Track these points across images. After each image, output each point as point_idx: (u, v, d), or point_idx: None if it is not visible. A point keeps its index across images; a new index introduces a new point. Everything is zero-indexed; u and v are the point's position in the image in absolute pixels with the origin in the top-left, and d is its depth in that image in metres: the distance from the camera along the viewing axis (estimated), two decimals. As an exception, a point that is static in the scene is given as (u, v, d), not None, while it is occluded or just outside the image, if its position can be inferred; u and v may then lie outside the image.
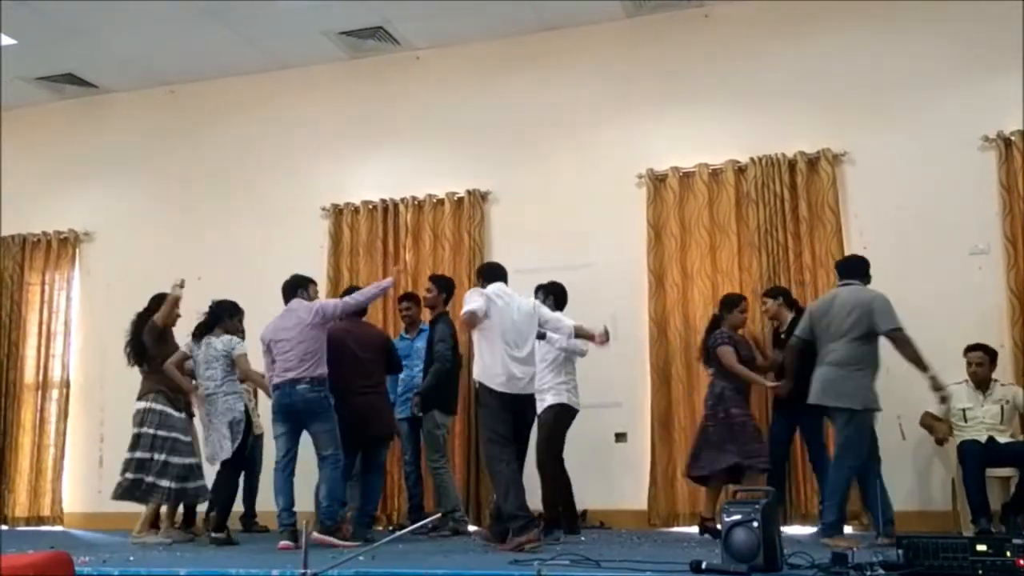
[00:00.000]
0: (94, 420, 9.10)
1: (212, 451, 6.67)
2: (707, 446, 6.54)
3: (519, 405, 6.06)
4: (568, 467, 7.30)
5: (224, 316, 6.86)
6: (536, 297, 6.94)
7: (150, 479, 6.67)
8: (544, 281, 7.25)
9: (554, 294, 7.00)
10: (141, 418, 6.77)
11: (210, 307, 6.89)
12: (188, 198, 9.30)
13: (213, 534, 6.56)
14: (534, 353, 6.19)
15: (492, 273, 6.39)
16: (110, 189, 9.64)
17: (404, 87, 8.94)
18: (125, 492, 6.76)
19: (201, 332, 6.78)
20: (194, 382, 6.83)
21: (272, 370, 6.48)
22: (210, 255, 8.87)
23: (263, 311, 7.22)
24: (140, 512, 7.22)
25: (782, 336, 6.87)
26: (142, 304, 7.15)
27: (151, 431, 6.72)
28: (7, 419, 9.21)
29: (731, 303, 6.87)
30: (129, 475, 6.69)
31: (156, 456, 6.68)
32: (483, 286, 6.23)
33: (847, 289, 6.18)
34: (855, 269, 6.31)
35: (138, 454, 6.71)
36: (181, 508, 7.19)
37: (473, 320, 5.95)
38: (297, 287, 6.70)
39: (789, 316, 6.89)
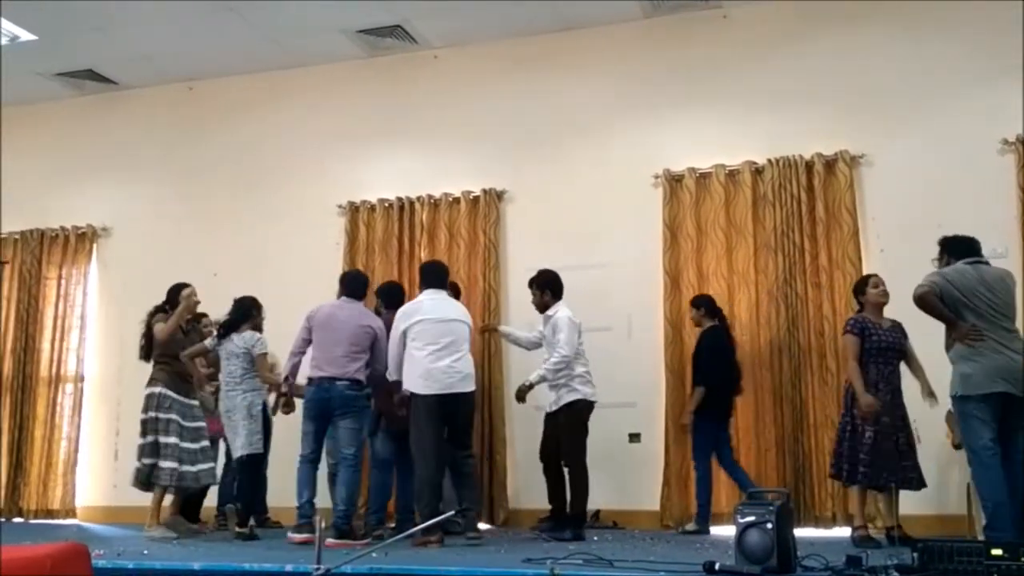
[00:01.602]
0: (110, 414, 9.14)
1: (242, 443, 6.66)
2: (836, 447, 6.27)
3: (450, 405, 6.14)
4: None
5: (253, 312, 6.91)
6: (532, 292, 6.97)
7: (150, 461, 6.72)
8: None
9: (549, 287, 6.93)
10: (145, 404, 6.84)
11: (237, 304, 6.91)
12: (205, 194, 9.34)
13: (237, 529, 6.56)
14: (466, 353, 6.26)
15: (428, 276, 6.58)
16: (128, 184, 9.69)
17: (421, 86, 8.95)
18: (136, 479, 6.85)
19: (227, 330, 6.80)
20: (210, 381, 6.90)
21: (300, 352, 6.49)
22: (226, 251, 8.92)
23: (277, 307, 7.25)
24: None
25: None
26: (158, 299, 7.19)
27: (153, 414, 6.77)
28: (23, 412, 9.26)
29: (860, 285, 6.42)
30: (144, 460, 6.77)
31: (158, 439, 6.73)
32: (421, 287, 6.56)
33: (991, 269, 5.70)
34: (977, 248, 5.78)
35: (145, 439, 6.79)
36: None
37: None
38: (366, 287, 6.81)
39: (709, 324, 7.18)
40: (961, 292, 5.52)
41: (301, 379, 6.71)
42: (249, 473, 6.76)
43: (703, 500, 7.06)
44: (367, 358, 6.46)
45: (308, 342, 6.48)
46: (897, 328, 6.26)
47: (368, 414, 6.64)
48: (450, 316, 6.28)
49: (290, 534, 6.32)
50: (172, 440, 6.72)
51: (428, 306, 6.32)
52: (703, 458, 7.10)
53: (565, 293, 7.44)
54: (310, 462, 6.46)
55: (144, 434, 6.79)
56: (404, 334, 6.24)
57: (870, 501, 6.66)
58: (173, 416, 6.77)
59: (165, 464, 6.69)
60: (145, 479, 6.77)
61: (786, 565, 4.24)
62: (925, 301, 5.50)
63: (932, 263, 5.93)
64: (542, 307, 6.93)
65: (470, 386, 6.25)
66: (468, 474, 6.42)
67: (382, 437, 6.76)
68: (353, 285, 6.74)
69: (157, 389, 6.83)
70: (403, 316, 6.31)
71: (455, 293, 7.36)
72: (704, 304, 7.29)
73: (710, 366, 7.10)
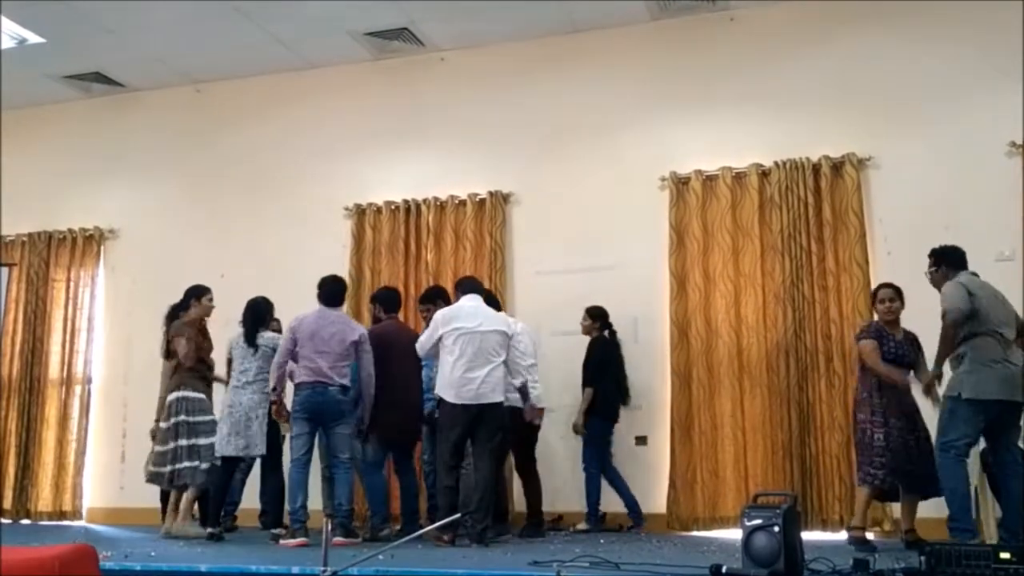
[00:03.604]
0: (117, 416, 9.16)
1: (240, 444, 6.67)
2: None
3: (477, 414, 6.19)
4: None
5: (270, 313, 6.96)
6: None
7: (187, 464, 6.72)
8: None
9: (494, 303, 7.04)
10: (176, 408, 6.82)
11: (256, 304, 6.92)
12: (212, 196, 9.36)
13: (273, 531, 6.64)
14: (500, 363, 6.28)
15: (463, 287, 6.65)
16: (135, 187, 9.71)
17: (428, 88, 8.96)
18: (163, 479, 6.86)
19: (254, 332, 6.82)
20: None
21: (286, 361, 6.53)
22: (233, 253, 8.93)
23: (284, 310, 7.25)
24: (159, 508, 7.28)
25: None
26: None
27: (184, 418, 6.79)
28: (31, 414, 9.28)
29: (872, 298, 6.47)
30: (179, 465, 6.74)
31: (193, 441, 6.76)
32: (456, 298, 6.58)
33: (984, 281, 5.80)
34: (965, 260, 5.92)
35: (181, 442, 6.77)
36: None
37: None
38: (344, 294, 6.84)
39: (598, 334, 7.47)
40: (986, 305, 5.60)
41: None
42: (225, 473, 6.77)
43: (594, 499, 7.32)
44: (351, 362, 6.58)
45: (292, 352, 6.54)
46: (910, 340, 6.21)
47: (354, 417, 6.71)
48: (485, 327, 6.29)
49: (282, 540, 6.31)
50: (206, 442, 6.77)
51: (467, 313, 6.36)
52: (595, 459, 7.36)
53: (570, 295, 7.50)
54: (303, 465, 6.48)
55: (176, 438, 6.78)
56: (441, 339, 6.32)
57: (878, 504, 6.65)
58: (208, 417, 6.85)
59: (204, 465, 6.73)
60: (175, 480, 6.78)
61: (793, 568, 4.22)
62: (948, 332, 5.59)
63: (925, 275, 5.98)
64: None
65: (499, 396, 6.28)
66: (486, 479, 6.29)
67: (373, 442, 6.86)
68: (332, 292, 6.75)
69: (189, 393, 6.85)
70: (442, 321, 6.38)
71: (445, 299, 7.24)
72: (599, 316, 7.52)
73: (599, 371, 7.38)
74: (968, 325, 5.59)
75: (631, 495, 7.37)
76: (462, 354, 6.21)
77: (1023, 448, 5.84)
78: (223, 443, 6.68)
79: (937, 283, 5.88)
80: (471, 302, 6.45)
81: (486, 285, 8.07)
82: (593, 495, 7.32)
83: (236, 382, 6.79)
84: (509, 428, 6.51)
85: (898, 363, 6.09)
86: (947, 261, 5.91)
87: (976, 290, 5.66)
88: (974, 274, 5.83)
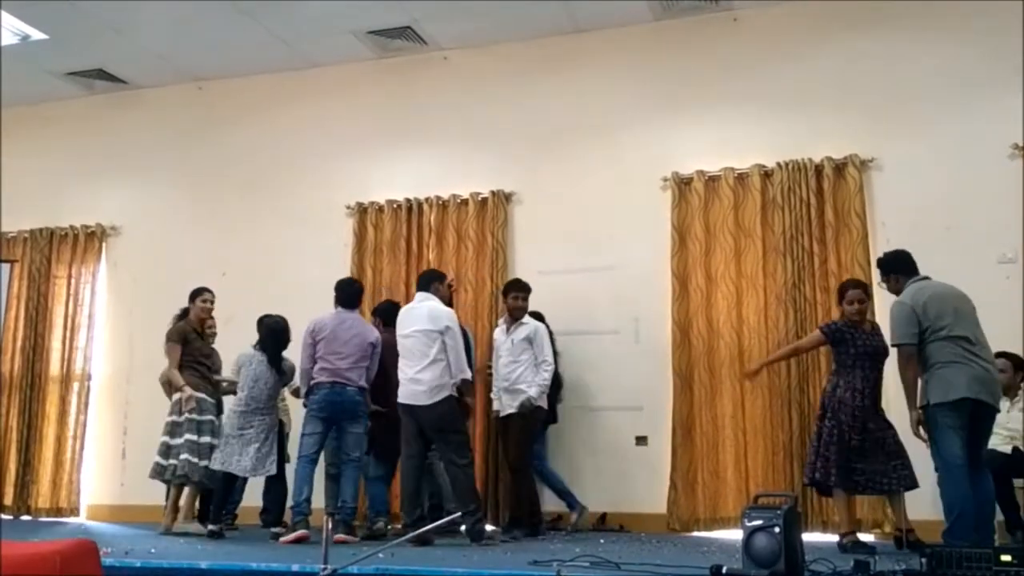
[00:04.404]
0: (118, 413, 9.16)
1: (249, 464, 6.71)
2: (814, 452, 6.18)
3: (414, 415, 6.32)
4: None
5: (289, 336, 6.96)
6: (517, 299, 7.11)
7: (188, 458, 6.76)
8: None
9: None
10: (180, 405, 6.88)
11: (277, 327, 6.91)
12: (214, 194, 9.35)
13: (273, 529, 6.65)
14: (428, 364, 6.29)
15: (417, 284, 6.81)
16: (137, 184, 9.70)
17: (431, 87, 8.95)
18: (167, 473, 6.90)
19: (279, 357, 6.87)
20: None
21: (311, 367, 6.60)
22: (235, 251, 8.93)
23: (285, 309, 7.25)
24: (161, 505, 7.28)
25: None
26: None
27: (194, 417, 6.84)
28: (32, 410, 9.28)
29: (839, 295, 6.39)
30: (187, 457, 6.78)
31: (195, 437, 6.80)
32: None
33: (941, 283, 5.74)
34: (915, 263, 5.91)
35: (186, 437, 6.82)
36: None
37: None
38: (360, 296, 7.04)
39: None
40: (935, 312, 5.54)
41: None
42: (227, 476, 6.82)
43: (561, 490, 7.40)
44: (367, 365, 6.73)
45: (314, 356, 6.62)
46: (877, 332, 6.22)
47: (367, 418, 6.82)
48: (407, 330, 6.45)
49: (283, 539, 6.32)
50: (208, 440, 6.85)
51: (402, 315, 6.60)
52: (535, 457, 7.31)
53: (572, 295, 7.50)
54: (311, 462, 6.57)
55: (180, 434, 6.83)
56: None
57: (877, 506, 6.64)
58: (210, 417, 6.93)
59: (204, 463, 6.79)
60: (176, 473, 6.82)
61: (794, 569, 4.22)
62: (906, 373, 5.57)
63: (879, 286, 5.95)
64: (522, 313, 7.09)
65: (425, 399, 6.27)
66: (454, 478, 6.37)
67: (374, 455, 6.97)
68: (350, 295, 6.89)
69: (197, 393, 6.90)
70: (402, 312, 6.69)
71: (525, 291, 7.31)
72: (540, 318, 7.47)
73: None
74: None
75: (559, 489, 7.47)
76: (400, 355, 6.45)
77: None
78: (231, 461, 6.71)
79: (894, 290, 5.86)
80: (414, 303, 6.63)
81: (487, 285, 8.16)
82: (557, 486, 7.39)
83: (245, 406, 6.78)
84: (455, 428, 6.47)
85: (873, 355, 6.08)
86: (895, 269, 5.90)
87: (925, 298, 5.58)
88: (925, 277, 5.78)
